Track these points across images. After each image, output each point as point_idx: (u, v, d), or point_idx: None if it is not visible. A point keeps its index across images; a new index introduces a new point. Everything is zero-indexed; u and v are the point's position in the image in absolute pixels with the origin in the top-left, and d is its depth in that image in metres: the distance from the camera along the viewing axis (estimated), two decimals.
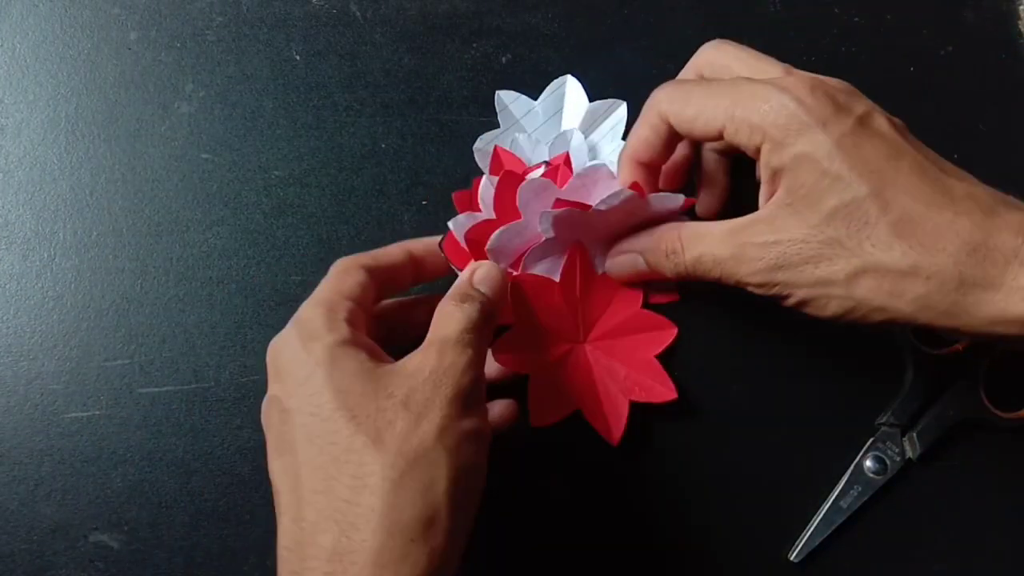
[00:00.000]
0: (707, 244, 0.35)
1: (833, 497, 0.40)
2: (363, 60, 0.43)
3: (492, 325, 0.35)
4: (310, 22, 0.44)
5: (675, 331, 0.40)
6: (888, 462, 0.40)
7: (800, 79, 0.33)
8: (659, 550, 0.40)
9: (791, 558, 0.40)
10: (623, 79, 0.42)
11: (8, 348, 0.41)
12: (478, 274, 0.36)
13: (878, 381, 0.41)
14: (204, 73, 0.43)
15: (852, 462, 0.40)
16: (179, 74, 0.43)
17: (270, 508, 0.39)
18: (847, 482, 0.40)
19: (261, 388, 0.33)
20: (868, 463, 0.40)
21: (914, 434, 0.40)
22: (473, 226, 0.38)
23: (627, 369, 0.40)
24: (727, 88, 0.34)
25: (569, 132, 0.41)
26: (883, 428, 0.40)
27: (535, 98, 0.43)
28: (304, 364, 0.31)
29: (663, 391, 0.39)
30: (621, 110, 0.42)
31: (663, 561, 0.40)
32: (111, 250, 0.42)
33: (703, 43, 0.43)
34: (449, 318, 0.33)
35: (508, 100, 0.42)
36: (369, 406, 0.30)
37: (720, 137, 0.34)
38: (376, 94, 0.43)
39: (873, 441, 0.40)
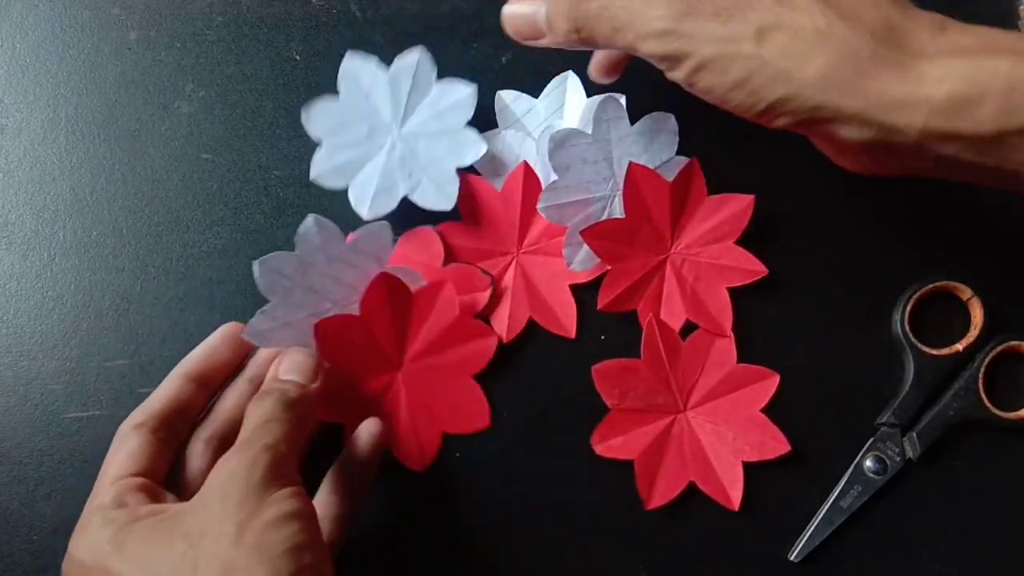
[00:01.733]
0: None
1: (833, 497, 0.40)
2: None
3: (299, 410, 0.34)
4: (310, 22, 0.44)
5: (776, 379, 0.40)
6: (888, 462, 0.40)
7: None
8: (659, 550, 0.40)
9: (791, 558, 0.40)
10: (623, 78, 0.42)
11: (8, 348, 0.41)
12: (284, 365, 0.36)
13: (878, 381, 0.41)
14: (204, 73, 0.43)
15: (852, 462, 0.40)
16: (179, 74, 0.43)
17: None
18: (847, 482, 0.40)
19: None
20: (868, 463, 0.40)
21: (914, 434, 0.40)
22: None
23: (734, 431, 0.40)
24: None
25: (559, 131, 0.41)
26: (883, 428, 0.40)
27: (536, 97, 0.43)
28: (95, 567, 0.30)
29: (775, 446, 0.40)
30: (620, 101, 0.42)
31: (663, 561, 0.40)
32: (111, 250, 0.42)
33: None
34: (246, 420, 0.33)
35: (508, 99, 0.42)
36: (170, 559, 0.29)
37: None
38: None
39: (873, 441, 0.40)
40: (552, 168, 0.40)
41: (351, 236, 0.38)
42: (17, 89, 0.43)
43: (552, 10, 0.34)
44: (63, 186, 0.42)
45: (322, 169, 0.40)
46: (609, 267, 0.40)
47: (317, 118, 0.40)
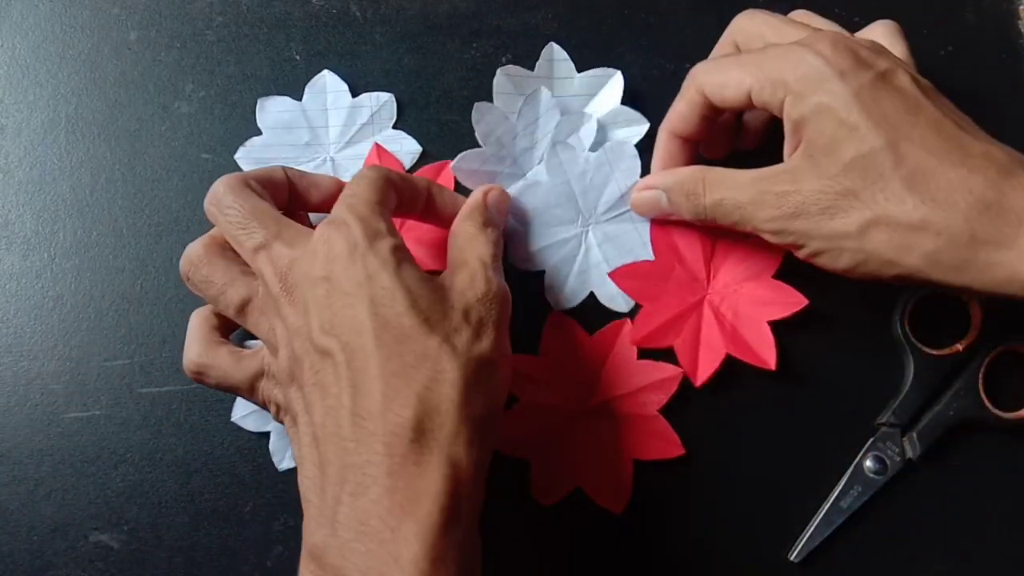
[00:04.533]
0: (729, 188, 0.35)
1: (833, 497, 0.40)
2: (363, 60, 0.43)
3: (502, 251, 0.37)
4: (310, 22, 0.44)
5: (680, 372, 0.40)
6: (888, 462, 0.40)
7: (823, 35, 0.34)
8: (659, 549, 0.40)
9: (791, 558, 0.40)
10: (623, 79, 0.42)
11: (8, 348, 0.41)
12: (492, 197, 0.38)
13: (878, 381, 0.41)
14: (204, 73, 0.43)
15: (852, 462, 0.40)
16: (179, 74, 0.43)
17: (270, 507, 0.40)
18: (847, 482, 0.40)
19: None
20: (868, 463, 0.40)
21: (914, 434, 0.40)
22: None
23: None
24: (755, 54, 0.35)
25: (585, 115, 0.41)
26: (883, 428, 0.40)
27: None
28: (370, 260, 0.31)
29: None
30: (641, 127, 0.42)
31: (663, 560, 0.40)
32: (111, 250, 0.42)
33: (703, 43, 0.43)
34: (477, 241, 0.35)
35: (557, 56, 0.42)
36: (437, 312, 0.31)
37: (749, 101, 0.35)
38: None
39: (873, 441, 0.40)
40: (514, 219, 0.41)
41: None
42: (17, 89, 0.43)
43: (673, 200, 0.38)
44: (63, 186, 0.42)
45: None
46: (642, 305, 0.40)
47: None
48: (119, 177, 0.42)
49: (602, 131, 0.42)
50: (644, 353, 0.40)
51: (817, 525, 0.40)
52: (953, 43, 0.45)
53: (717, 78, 0.36)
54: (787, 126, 0.34)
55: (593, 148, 0.41)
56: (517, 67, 0.42)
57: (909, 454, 0.40)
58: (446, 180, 0.41)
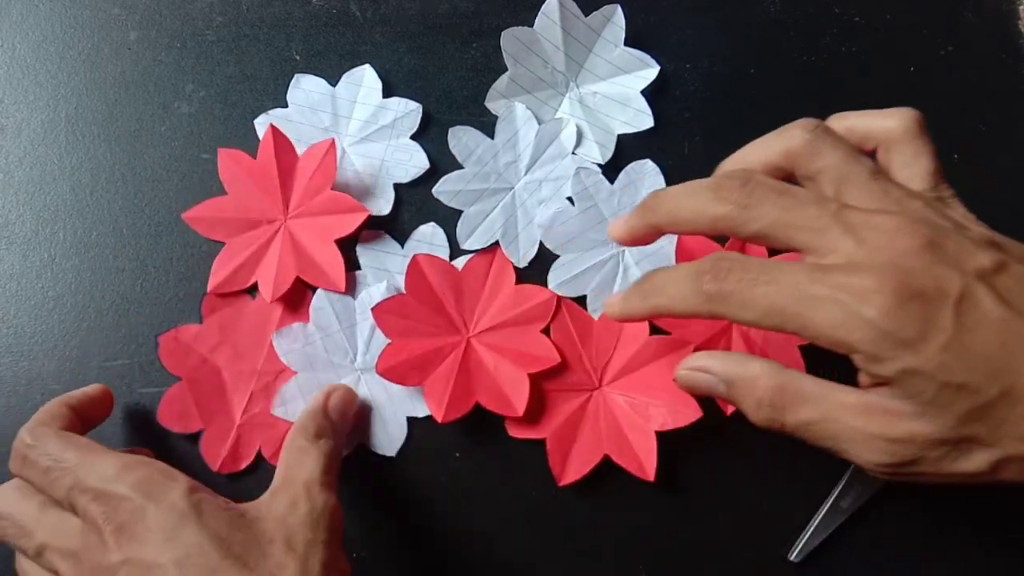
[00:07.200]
0: (818, 410, 0.30)
1: (833, 497, 0.40)
2: (363, 60, 0.43)
3: (341, 456, 0.37)
4: (310, 22, 0.44)
5: (691, 347, 0.40)
6: None
7: (878, 279, 0.28)
8: (659, 549, 0.40)
9: (791, 558, 0.40)
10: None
11: (8, 348, 0.41)
12: (333, 402, 0.37)
13: None
14: (204, 73, 0.43)
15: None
16: (179, 74, 0.43)
17: None
18: (847, 482, 0.40)
19: None
20: None
21: None
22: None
23: (649, 401, 0.39)
24: (787, 289, 0.29)
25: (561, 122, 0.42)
26: None
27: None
28: (164, 519, 0.29)
29: (687, 412, 0.39)
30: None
31: (663, 560, 0.40)
32: (111, 250, 0.42)
33: (702, 44, 0.43)
34: (306, 456, 0.34)
35: (616, 20, 0.42)
36: (254, 552, 0.30)
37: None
38: None
39: None
40: (551, 247, 0.41)
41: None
42: (17, 89, 0.43)
43: (736, 396, 0.32)
44: (63, 186, 0.42)
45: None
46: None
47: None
48: (119, 177, 0.42)
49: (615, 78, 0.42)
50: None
51: (817, 525, 0.40)
52: (953, 43, 0.45)
53: (744, 314, 0.30)
54: (863, 375, 0.30)
55: (591, 124, 0.42)
56: (573, 3, 0.42)
57: None
58: (329, 162, 0.40)
